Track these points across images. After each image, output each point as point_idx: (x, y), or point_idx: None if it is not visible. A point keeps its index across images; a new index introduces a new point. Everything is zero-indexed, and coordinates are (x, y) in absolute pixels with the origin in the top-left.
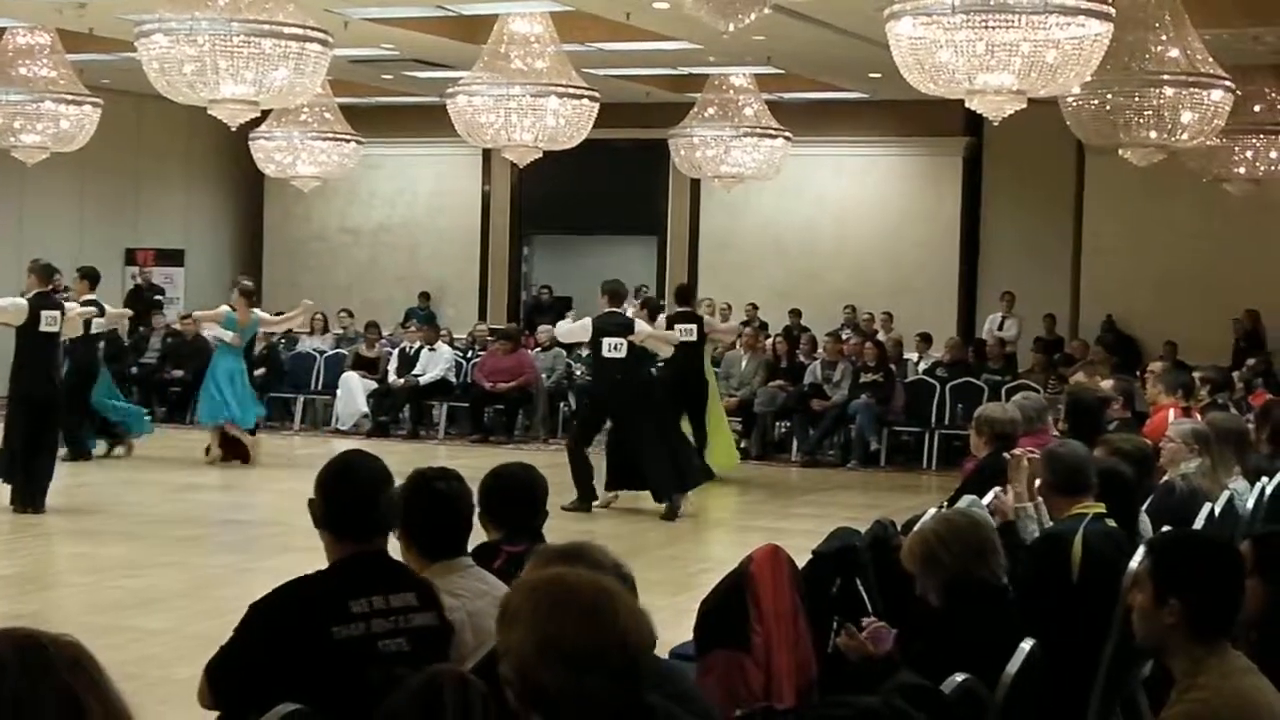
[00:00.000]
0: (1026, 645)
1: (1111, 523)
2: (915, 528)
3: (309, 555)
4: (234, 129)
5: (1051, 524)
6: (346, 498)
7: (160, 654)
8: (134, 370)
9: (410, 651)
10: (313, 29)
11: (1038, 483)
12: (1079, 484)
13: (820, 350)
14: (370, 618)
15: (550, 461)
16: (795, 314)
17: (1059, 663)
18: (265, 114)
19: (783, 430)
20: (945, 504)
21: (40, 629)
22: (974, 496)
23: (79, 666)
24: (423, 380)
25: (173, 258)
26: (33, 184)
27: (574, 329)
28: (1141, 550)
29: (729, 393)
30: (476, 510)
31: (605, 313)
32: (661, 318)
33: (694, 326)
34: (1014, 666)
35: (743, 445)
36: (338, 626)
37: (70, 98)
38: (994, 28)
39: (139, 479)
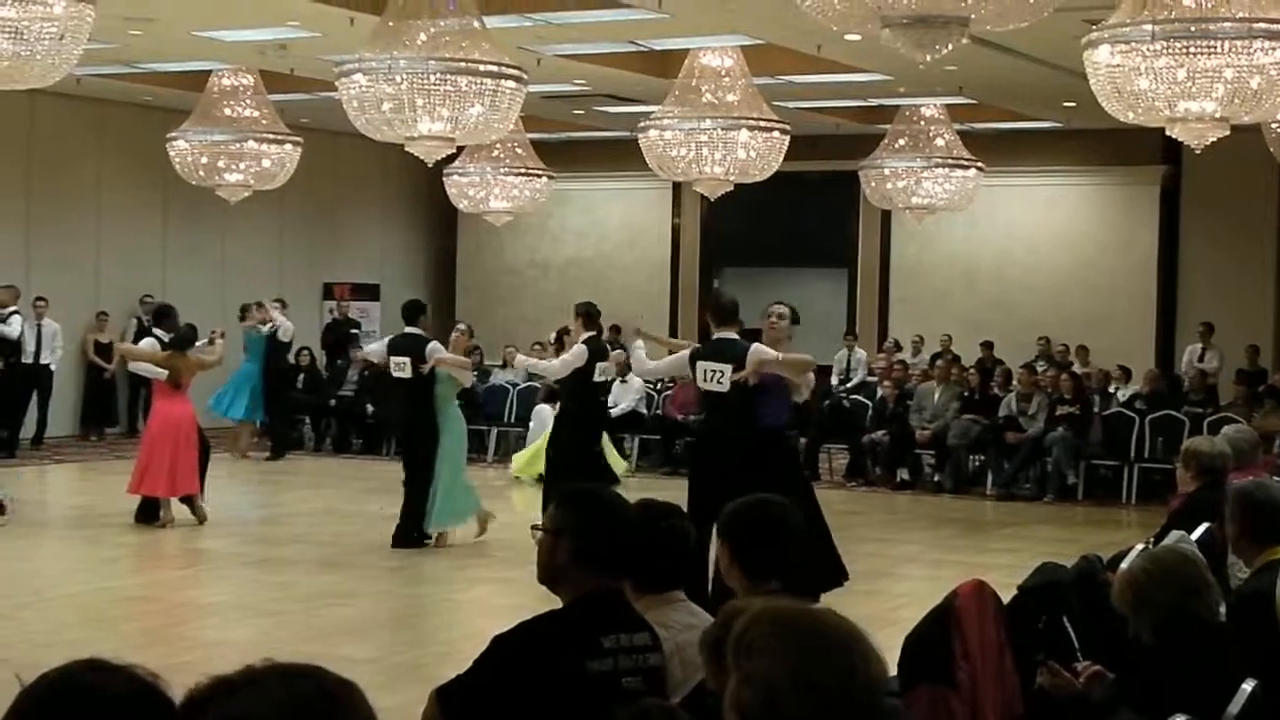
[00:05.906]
0: (1248, 686)
1: None
2: (1123, 566)
3: (504, 588)
4: (429, 165)
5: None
6: (603, 532)
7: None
8: (332, 403)
9: (645, 692)
10: (507, 66)
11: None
12: (1275, 531)
13: (1015, 382)
14: (618, 654)
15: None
16: (987, 346)
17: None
18: (458, 150)
19: (976, 464)
20: (1151, 540)
21: (320, 668)
22: (1182, 532)
23: (353, 707)
24: (614, 413)
25: (368, 292)
26: (235, 221)
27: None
28: None
29: (922, 425)
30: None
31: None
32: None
33: None
34: (1235, 708)
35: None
36: (590, 660)
37: (272, 137)
38: (1195, 54)
39: (338, 509)
